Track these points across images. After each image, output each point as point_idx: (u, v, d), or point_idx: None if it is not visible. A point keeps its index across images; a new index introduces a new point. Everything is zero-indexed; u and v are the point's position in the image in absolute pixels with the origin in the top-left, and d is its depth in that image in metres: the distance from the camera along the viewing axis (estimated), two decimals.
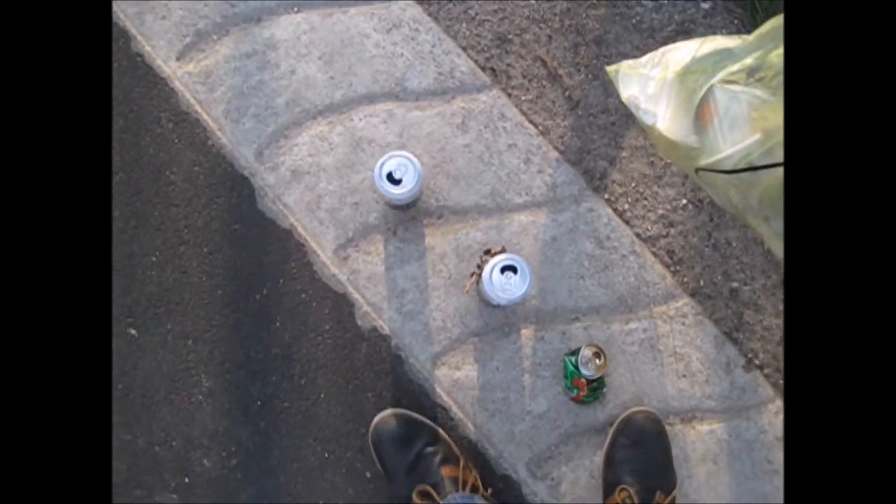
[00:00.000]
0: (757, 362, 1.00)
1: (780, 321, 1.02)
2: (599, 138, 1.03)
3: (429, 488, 0.89)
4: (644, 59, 0.83)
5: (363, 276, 1.00)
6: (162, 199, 1.03)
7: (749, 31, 1.06)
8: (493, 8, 1.06)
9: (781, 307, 1.02)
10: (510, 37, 1.05)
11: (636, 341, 1.00)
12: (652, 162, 1.03)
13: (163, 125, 1.05)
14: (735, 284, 1.01)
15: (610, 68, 0.87)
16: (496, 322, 1.00)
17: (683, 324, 1.00)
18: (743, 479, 0.98)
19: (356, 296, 1.00)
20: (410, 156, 0.90)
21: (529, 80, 1.05)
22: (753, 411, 0.99)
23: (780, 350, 1.02)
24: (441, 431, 0.96)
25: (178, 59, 1.06)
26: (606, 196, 1.02)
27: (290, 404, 1.00)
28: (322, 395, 1.00)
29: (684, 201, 1.03)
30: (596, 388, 0.96)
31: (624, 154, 1.03)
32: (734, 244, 1.02)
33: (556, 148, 1.03)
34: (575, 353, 0.95)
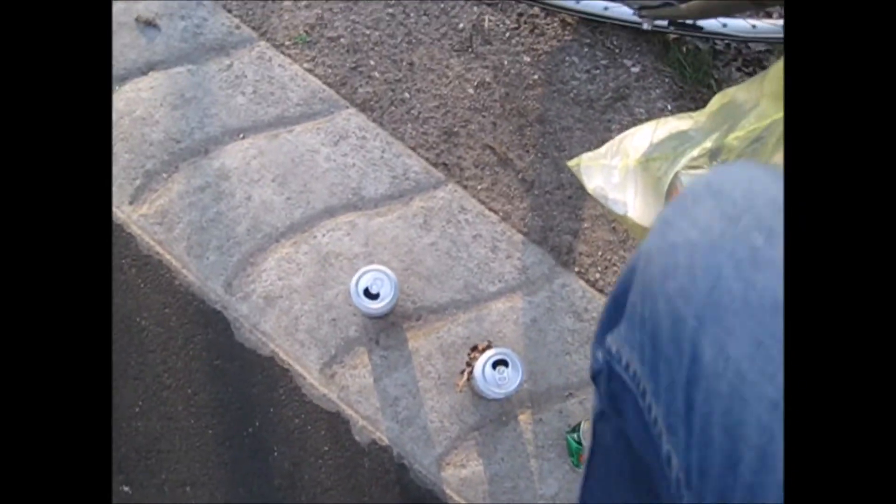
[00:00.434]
0: None
1: None
2: (559, 214, 1.05)
3: None
4: (602, 149, 0.85)
5: (353, 391, 1.00)
6: (137, 347, 1.01)
7: (680, 87, 1.10)
8: (434, 104, 1.08)
9: None
10: (456, 129, 1.08)
11: None
12: (614, 228, 1.06)
13: (125, 272, 1.03)
14: None
15: (571, 163, 0.89)
16: (493, 413, 1.00)
17: None
18: None
19: (349, 412, 1.00)
20: (383, 268, 0.91)
21: (482, 169, 1.07)
22: None
23: None
24: None
25: (130, 202, 1.05)
26: (577, 269, 1.04)
27: None
28: None
29: None
30: None
31: (585, 225, 1.06)
32: None
33: (519, 231, 1.05)
34: (576, 429, 0.96)
